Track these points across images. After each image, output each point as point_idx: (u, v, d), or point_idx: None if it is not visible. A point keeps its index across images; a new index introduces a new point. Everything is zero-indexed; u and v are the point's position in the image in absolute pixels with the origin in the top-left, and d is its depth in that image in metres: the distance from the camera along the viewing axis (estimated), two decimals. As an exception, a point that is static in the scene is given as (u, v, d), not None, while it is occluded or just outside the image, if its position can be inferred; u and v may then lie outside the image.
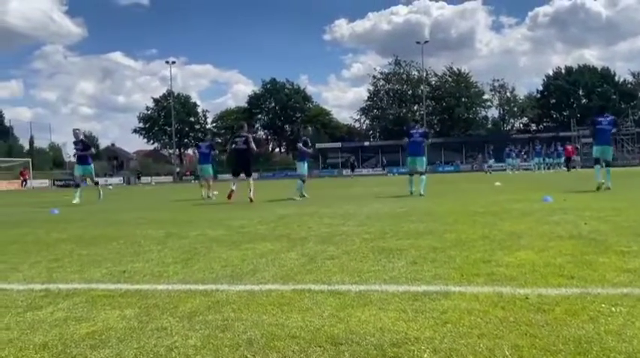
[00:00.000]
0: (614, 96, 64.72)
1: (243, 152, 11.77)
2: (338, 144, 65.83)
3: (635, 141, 52.49)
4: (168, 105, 68.91)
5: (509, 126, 73.66)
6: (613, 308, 2.35)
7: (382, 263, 3.61)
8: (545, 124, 70.20)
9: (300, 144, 12.66)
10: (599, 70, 68.37)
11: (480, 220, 5.95)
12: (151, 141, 78.43)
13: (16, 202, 17.43)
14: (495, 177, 23.42)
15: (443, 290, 2.77)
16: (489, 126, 73.35)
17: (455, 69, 72.07)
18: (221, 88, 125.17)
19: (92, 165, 13.97)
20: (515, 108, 72.66)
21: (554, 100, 69.39)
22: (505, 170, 35.65)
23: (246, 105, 78.82)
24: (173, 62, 64.31)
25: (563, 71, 70.08)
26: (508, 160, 35.28)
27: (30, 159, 48.56)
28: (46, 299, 2.96)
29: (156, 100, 76.56)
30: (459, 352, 1.94)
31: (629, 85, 66.99)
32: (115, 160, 74.95)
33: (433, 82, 73.10)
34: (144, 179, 58.41)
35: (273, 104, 77.51)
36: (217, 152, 24.28)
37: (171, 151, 76.01)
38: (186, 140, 75.81)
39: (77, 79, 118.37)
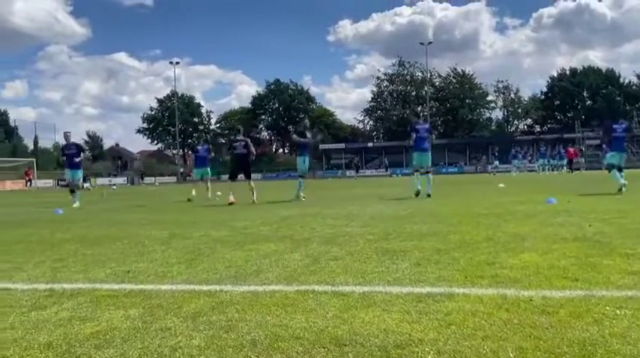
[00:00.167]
0: (619, 98, 64.44)
1: (243, 156, 11.78)
2: (341, 145, 65.79)
3: (640, 144, 52.36)
4: (172, 106, 69.08)
5: (513, 128, 73.47)
6: (617, 311, 2.35)
7: (386, 264, 3.61)
8: (549, 126, 69.97)
9: (295, 136, 12.25)
10: (603, 71, 68.11)
11: (483, 222, 5.94)
12: (155, 142, 78.58)
13: (20, 202, 17.50)
14: (499, 178, 23.36)
15: (447, 291, 2.77)
16: (493, 127, 73.16)
17: (459, 70, 71.97)
18: (225, 88, 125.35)
19: (82, 170, 13.70)
20: (520, 110, 72.45)
21: (558, 102, 69.16)
22: (510, 171, 35.66)
23: (249, 105, 78.86)
24: (177, 63, 64.84)
25: (567, 72, 69.86)
26: (514, 161, 35.33)
27: (34, 159, 48.65)
28: (51, 298, 2.97)
29: (160, 101, 76.72)
30: (463, 354, 1.94)
31: (634, 87, 66.67)
32: (118, 160, 75.03)
33: (437, 83, 72.97)
34: (147, 179, 58.54)
35: (276, 105, 77.53)
36: (214, 155, 24.45)
37: (174, 152, 76.14)
38: (190, 140, 75.86)
39: (81, 79, 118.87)
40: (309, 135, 12.25)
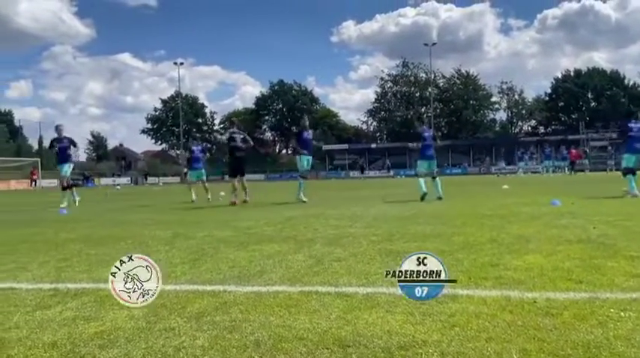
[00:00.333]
0: (624, 100, 64.15)
1: (242, 151, 11.65)
2: (345, 146, 65.76)
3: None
4: (176, 106, 69.19)
5: (517, 129, 73.33)
6: (622, 313, 2.34)
7: (389, 265, 3.60)
8: (553, 127, 69.78)
9: (294, 143, 11.98)
10: (608, 72, 67.81)
11: (487, 223, 5.93)
12: (159, 142, 78.65)
13: (25, 202, 17.56)
14: (504, 180, 23.33)
15: (450, 293, 2.76)
16: (497, 128, 73.03)
17: (463, 71, 71.79)
18: (229, 89, 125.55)
19: (72, 164, 12.94)
20: (524, 111, 72.29)
21: (562, 103, 68.89)
22: (516, 173, 35.72)
23: (253, 106, 78.93)
24: (181, 63, 64.66)
25: (572, 74, 69.62)
26: (520, 163, 35.42)
27: (39, 159, 48.82)
28: (55, 298, 2.98)
29: (164, 101, 76.82)
30: (466, 355, 1.94)
31: (639, 88, 66.44)
32: (122, 160, 75.23)
33: (441, 84, 72.84)
34: (151, 179, 58.69)
35: (280, 105, 77.52)
36: (208, 155, 24.29)
37: (178, 152, 76.22)
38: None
39: (86, 79, 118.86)
40: (309, 132, 11.69)
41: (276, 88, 77.35)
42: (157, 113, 76.93)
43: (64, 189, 12.48)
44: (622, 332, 2.10)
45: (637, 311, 2.37)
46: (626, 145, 10.84)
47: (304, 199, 11.00)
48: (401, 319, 2.35)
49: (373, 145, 66.14)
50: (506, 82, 71.48)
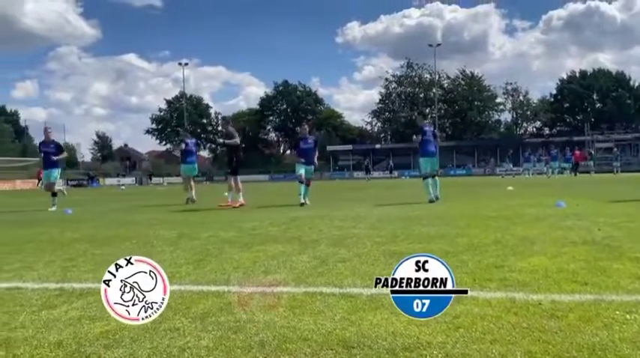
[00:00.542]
0: (629, 101, 63.92)
1: (237, 149, 11.49)
2: (349, 147, 65.77)
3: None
4: (180, 107, 69.44)
5: (522, 130, 73.13)
6: (627, 316, 2.33)
7: (394, 266, 3.59)
8: (558, 128, 69.57)
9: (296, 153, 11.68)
10: (613, 74, 67.53)
11: (492, 224, 5.91)
12: (164, 143, 78.91)
13: (30, 202, 17.62)
14: (509, 181, 23.26)
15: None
16: (502, 129, 72.85)
17: (467, 72, 71.69)
18: (233, 89, 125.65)
19: (59, 169, 12.27)
20: (529, 112, 72.11)
21: (567, 104, 68.67)
22: (522, 174, 35.66)
23: (258, 107, 79.05)
24: (186, 64, 64.98)
25: (577, 75, 69.38)
26: (526, 164, 35.33)
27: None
28: (61, 298, 3.00)
29: (168, 102, 77.09)
30: (471, 357, 1.93)
31: (645, 90, 66.16)
32: (127, 161, 75.50)
33: (445, 85, 72.74)
34: (156, 179, 58.84)
35: (284, 106, 77.62)
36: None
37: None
38: (198, 141, 76.07)
39: (91, 80, 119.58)
40: (309, 140, 11.19)
41: (280, 88, 77.46)
42: (162, 113, 77.17)
43: (53, 194, 11.88)
44: (628, 335, 2.10)
45: (642, 313, 2.36)
46: None
47: (302, 201, 10.55)
48: (405, 320, 2.35)
49: (377, 146, 66.09)
50: (511, 83, 71.46)
